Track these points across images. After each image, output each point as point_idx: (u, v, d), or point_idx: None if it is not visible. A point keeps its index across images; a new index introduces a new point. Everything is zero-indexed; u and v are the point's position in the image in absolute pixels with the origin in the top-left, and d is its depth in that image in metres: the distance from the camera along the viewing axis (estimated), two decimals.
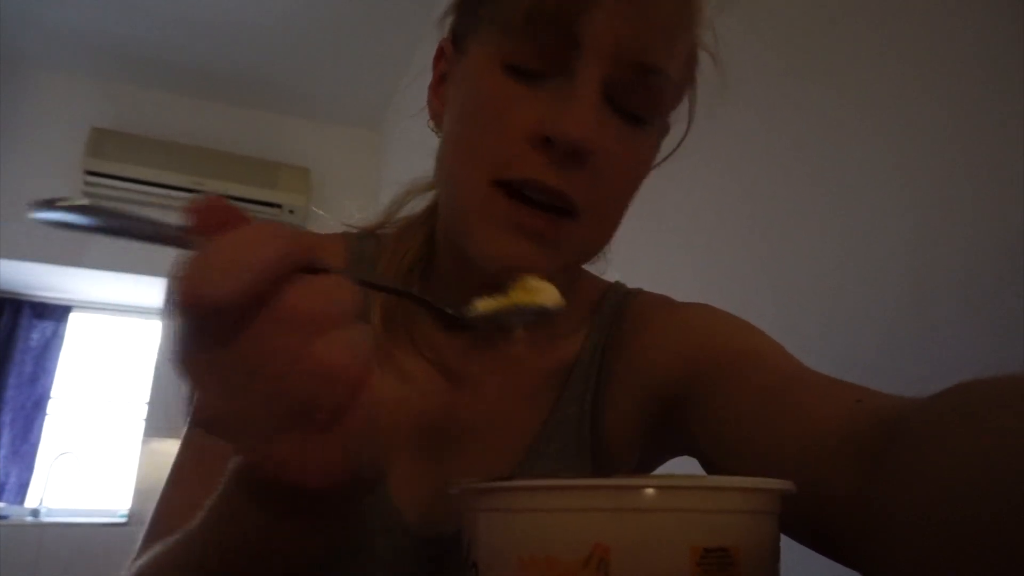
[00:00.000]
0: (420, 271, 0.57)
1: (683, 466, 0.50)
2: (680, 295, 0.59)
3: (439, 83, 0.54)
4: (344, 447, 0.27)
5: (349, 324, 0.27)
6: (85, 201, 0.23)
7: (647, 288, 0.62)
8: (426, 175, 0.59)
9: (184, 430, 0.53)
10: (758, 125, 1.38)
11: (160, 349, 3.40)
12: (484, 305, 0.41)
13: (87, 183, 3.23)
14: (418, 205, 0.62)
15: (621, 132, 0.46)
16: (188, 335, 0.26)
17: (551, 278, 0.47)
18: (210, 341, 0.26)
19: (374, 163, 3.73)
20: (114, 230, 0.24)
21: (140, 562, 0.42)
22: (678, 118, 0.55)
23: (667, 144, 0.56)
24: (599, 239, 0.50)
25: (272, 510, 0.31)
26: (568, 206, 0.45)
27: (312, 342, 0.26)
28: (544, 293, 0.42)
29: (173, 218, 0.26)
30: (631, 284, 0.63)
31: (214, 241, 0.25)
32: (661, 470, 0.59)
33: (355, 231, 0.62)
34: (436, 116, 0.54)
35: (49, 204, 0.23)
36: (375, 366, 0.28)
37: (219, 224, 0.27)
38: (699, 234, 1.51)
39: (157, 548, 0.40)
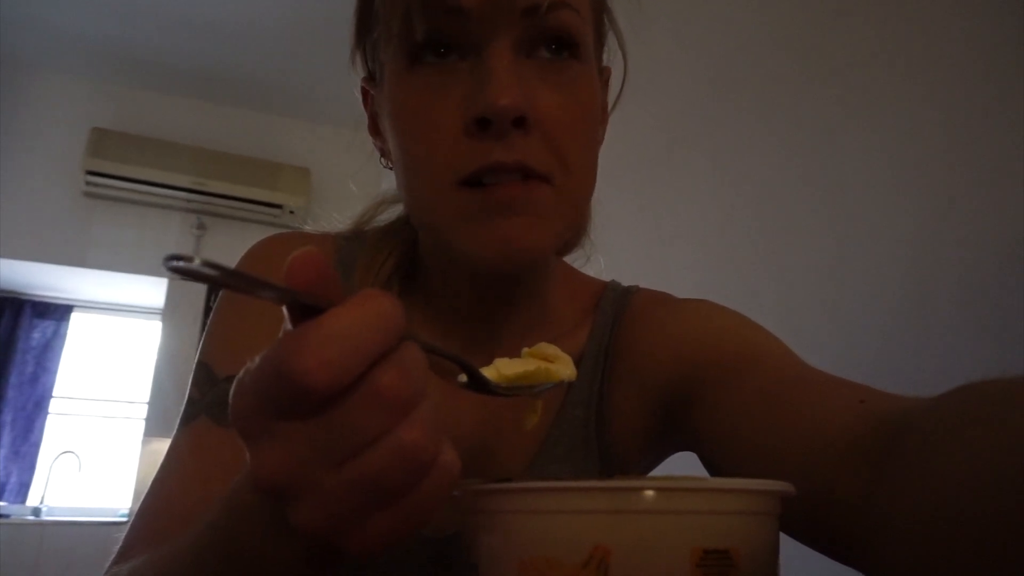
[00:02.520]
0: (400, 279, 0.57)
1: (683, 465, 0.50)
2: (679, 294, 0.59)
3: (374, 123, 0.55)
4: (405, 521, 0.27)
5: (424, 401, 0.27)
6: (203, 266, 0.23)
7: (645, 286, 0.62)
8: (395, 187, 0.59)
9: (176, 429, 0.53)
10: (759, 126, 1.38)
11: (159, 350, 3.40)
12: (505, 367, 0.40)
13: (88, 183, 3.23)
14: (395, 211, 0.61)
15: (549, 81, 0.45)
16: (272, 403, 0.26)
17: (552, 247, 0.47)
18: (292, 413, 0.25)
19: (374, 164, 3.73)
20: (229, 286, 0.25)
21: (129, 566, 0.41)
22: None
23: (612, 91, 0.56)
24: (580, 193, 0.48)
25: (293, 552, 0.30)
26: (534, 173, 0.44)
27: (397, 422, 0.26)
28: (560, 361, 0.41)
29: (279, 283, 0.25)
30: (630, 282, 0.62)
31: (326, 322, 0.25)
32: (662, 469, 0.59)
33: (344, 232, 0.61)
34: (385, 154, 0.54)
35: (176, 260, 0.23)
36: (446, 443, 0.28)
37: (313, 282, 0.26)
38: (699, 234, 1.51)
39: (145, 556, 0.40)
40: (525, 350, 0.42)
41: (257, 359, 0.26)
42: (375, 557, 0.28)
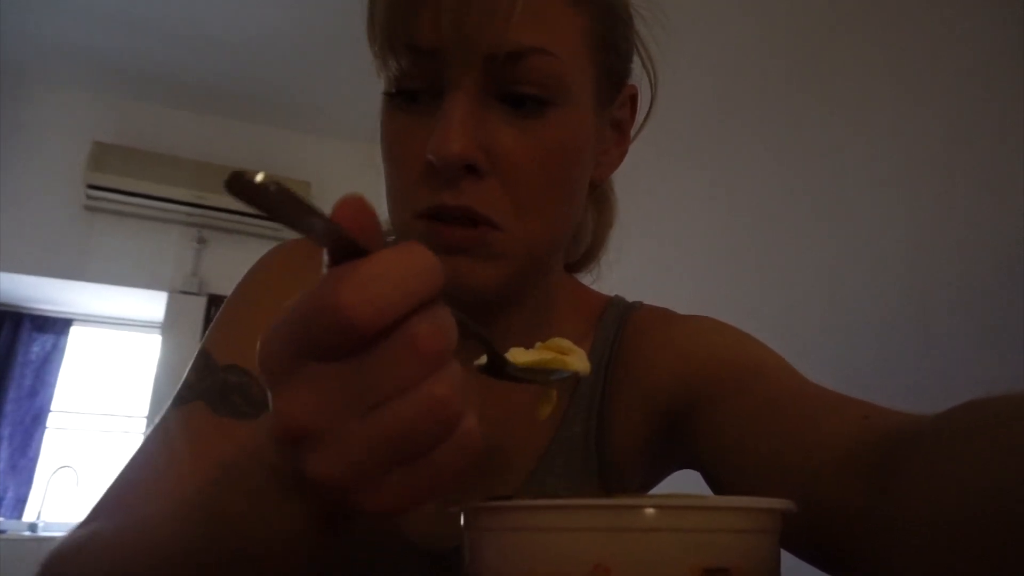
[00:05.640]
0: None
1: (685, 481, 0.50)
2: (680, 307, 0.59)
3: None
4: (423, 482, 0.26)
5: (455, 362, 0.27)
6: (267, 180, 0.22)
7: (647, 300, 0.62)
8: None
9: (166, 410, 0.52)
10: (757, 137, 1.39)
11: (159, 364, 3.39)
12: (519, 356, 0.40)
13: (89, 196, 3.24)
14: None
15: (516, 126, 0.44)
16: (308, 342, 0.25)
17: (515, 286, 0.47)
18: (328, 351, 0.25)
19: (374, 177, 3.74)
20: (281, 210, 0.24)
21: (92, 529, 0.40)
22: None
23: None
24: (541, 237, 0.47)
25: (299, 512, 0.29)
26: (480, 219, 0.44)
27: (429, 375, 0.25)
28: (574, 355, 0.42)
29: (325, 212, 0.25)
30: (631, 296, 0.63)
31: (370, 262, 0.25)
32: (664, 485, 0.59)
33: None
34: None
35: (240, 176, 0.22)
36: (470, 411, 0.27)
37: (360, 225, 0.26)
38: (698, 245, 1.51)
39: (117, 521, 0.39)
40: (539, 344, 0.43)
41: (296, 298, 0.26)
42: (385, 516, 0.27)
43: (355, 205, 0.26)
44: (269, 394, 0.26)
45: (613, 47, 0.50)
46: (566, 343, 0.42)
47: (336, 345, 0.25)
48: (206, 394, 0.51)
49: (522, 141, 0.45)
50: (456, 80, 0.43)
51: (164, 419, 0.52)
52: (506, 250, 0.45)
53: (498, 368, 0.39)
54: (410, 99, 0.46)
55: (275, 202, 0.23)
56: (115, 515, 0.44)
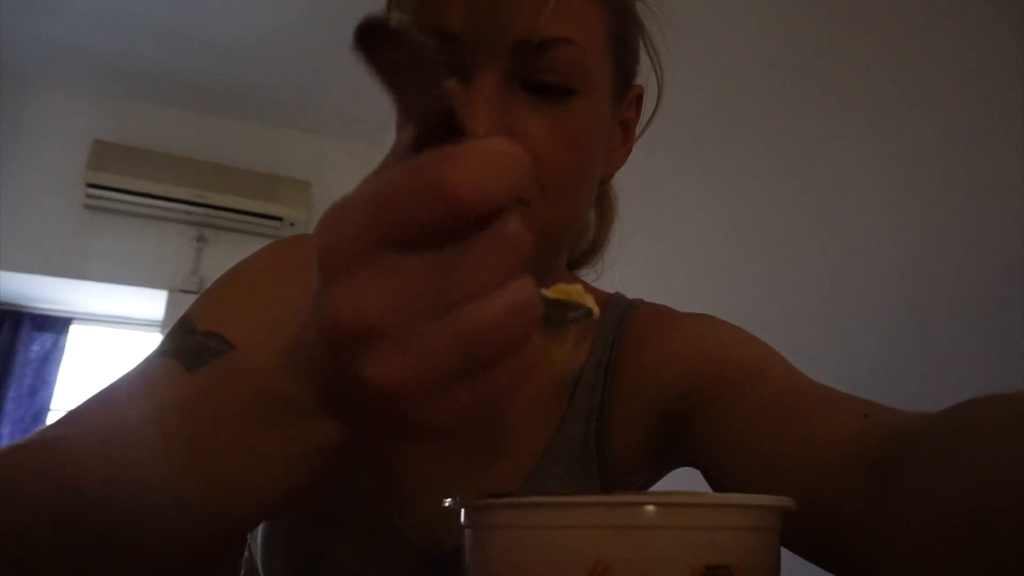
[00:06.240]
0: None
1: (683, 481, 0.50)
2: (680, 308, 0.59)
3: None
4: (482, 399, 0.24)
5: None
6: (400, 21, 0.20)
7: (647, 299, 0.62)
8: None
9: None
10: (757, 138, 1.39)
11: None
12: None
13: (88, 195, 3.23)
14: None
15: (541, 111, 0.45)
16: (394, 224, 0.23)
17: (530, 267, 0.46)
18: (417, 238, 0.23)
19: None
20: (402, 73, 0.21)
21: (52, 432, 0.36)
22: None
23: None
24: (559, 222, 0.48)
25: (315, 433, 0.27)
26: None
27: (513, 279, 0.24)
28: (582, 296, 0.40)
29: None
30: (632, 295, 0.63)
31: (477, 144, 0.23)
32: (662, 484, 0.59)
33: None
34: None
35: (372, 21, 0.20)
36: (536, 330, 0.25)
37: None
38: (698, 248, 1.51)
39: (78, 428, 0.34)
40: (543, 290, 0.40)
41: (380, 178, 0.23)
42: (431, 435, 0.24)
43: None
44: (324, 290, 0.24)
45: (627, 45, 0.52)
46: (565, 286, 0.40)
47: (433, 229, 0.23)
48: (180, 354, 0.46)
49: (546, 126, 0.45)
50: (484, 65, 0.44)
51: (130, 371, 0.47)
52: (528, 227, 0.45)
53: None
54: None
55: (409, 54, 0.21)
56: (69, 426, 0.40)
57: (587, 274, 0.65)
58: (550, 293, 0.39)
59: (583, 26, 0.46)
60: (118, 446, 0.31)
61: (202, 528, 0.29)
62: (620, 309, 0.59)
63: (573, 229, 0.52)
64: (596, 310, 0.39)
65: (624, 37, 0.51)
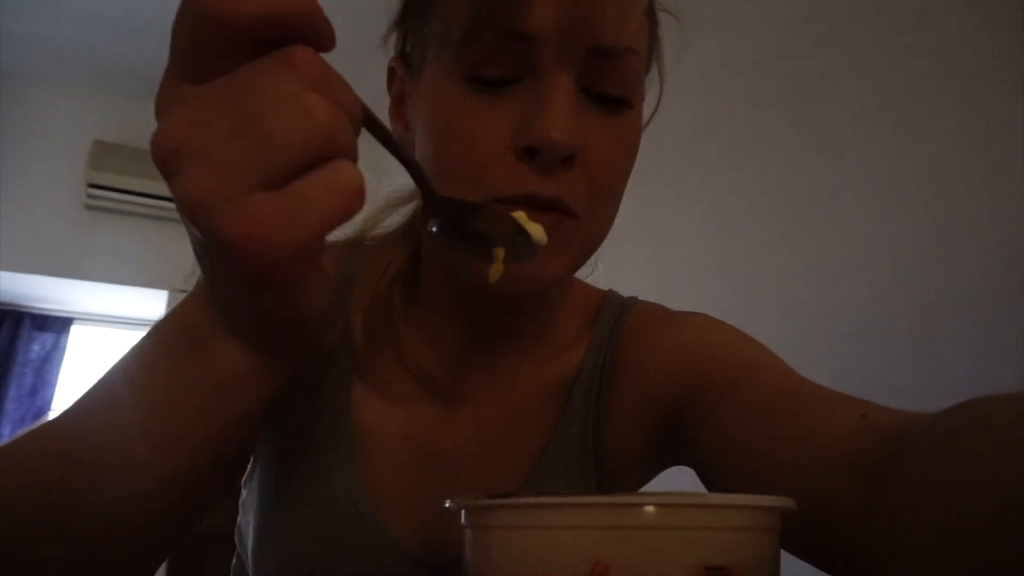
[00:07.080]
0: (402, 287, 0.56)
1: (678, 480, 0.50)
2: (676, 308, 0.59)
3: (397, 105, 0.53)
4: (289, 211, 0.26)
5: (348, 96, 0.27)
6: None
7: (642, 299, 0.62)
8: (403, 188, 0.58)
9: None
10: (761, 139, 1.38)
11: None
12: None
13: (89, 195, 3.24)
14: (397, 217, 0.60)
15: (603, 121, 0.45)
16: (179, 54, 0.26)
17: (564, 280, 0.47)
18: (197, 65, 0.26)
19: (374, 178, 3.73)
20: None
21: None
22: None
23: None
24: (601, 232, 0.49)
25: (232, 346, 0.32)
26: (567, 211, 0.43)
27: (307, 91, 0.26)
28: (531, 227, 0.40)
29: None
30: (627, 294, 0.62)
31: None
32: (656, 483, 0.58)
33: (340, 241, 0.60)
34: (404, 140, 0.51)
35: None
36: (353, 153, 0.27)
37: None
38: (701, 247, 1.51)
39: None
40: (513, 214, 0.41)
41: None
42: (254, 251, 0.26)
43: None
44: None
45: (653, 56, 0.52)
46: (520, 216, 0.41)
47: (211, 53, 0.26)
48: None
49: (607, 137, 0.45)
50: (559, 68, 0.42)
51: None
52: (576, 241, 0.45)
53: (451, 223, 0.38)
54: (482, 81, 0.43)
55: None
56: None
57: (581, 271, 0.64)
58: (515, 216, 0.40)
59: (641, 38, 0.46)
60: (95, 415, 0.36)
61: (155, 479, 0.34)
62: (615, 308, 0.59)
63: (605, 237, 0.52)
64: (540, 236, 0.40)
65: (654, 48, 0.52)
